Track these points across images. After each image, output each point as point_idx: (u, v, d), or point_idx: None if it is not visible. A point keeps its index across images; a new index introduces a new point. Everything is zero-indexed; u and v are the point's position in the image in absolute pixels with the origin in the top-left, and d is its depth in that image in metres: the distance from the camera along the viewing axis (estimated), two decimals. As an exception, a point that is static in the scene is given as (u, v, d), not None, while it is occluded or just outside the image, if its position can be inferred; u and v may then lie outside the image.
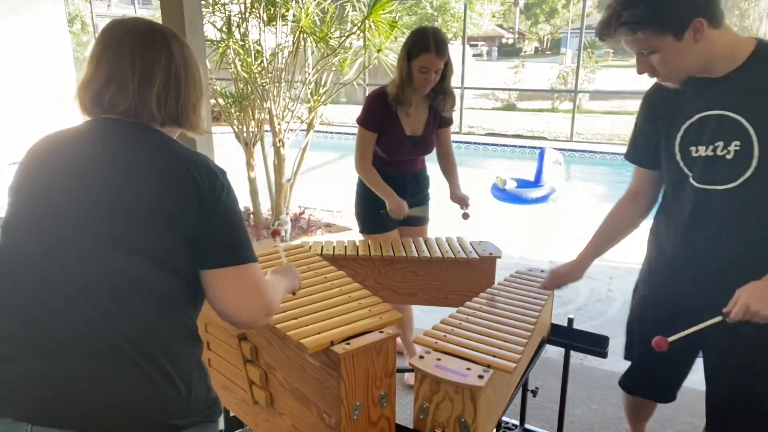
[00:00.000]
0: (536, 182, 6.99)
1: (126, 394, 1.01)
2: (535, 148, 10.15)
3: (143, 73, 1.10)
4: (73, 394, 0.99)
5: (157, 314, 1.05)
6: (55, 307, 1.01)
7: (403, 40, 2.56)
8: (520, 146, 10.47)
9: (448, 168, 2.78)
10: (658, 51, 1.39)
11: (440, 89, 2.54)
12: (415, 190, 2.74)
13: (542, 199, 6.77)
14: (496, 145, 10.84)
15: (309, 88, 5.21)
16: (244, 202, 5.75)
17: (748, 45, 1.42)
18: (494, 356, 1.40)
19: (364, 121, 2.56)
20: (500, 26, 33.94)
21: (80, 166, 1.08)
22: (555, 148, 7.95)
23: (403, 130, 2.57)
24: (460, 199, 2.68)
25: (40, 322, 1.01)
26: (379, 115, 2.54)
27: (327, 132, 10.85)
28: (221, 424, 2.18)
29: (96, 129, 1.13)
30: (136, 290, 1.03)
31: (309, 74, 5.19)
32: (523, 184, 7.01)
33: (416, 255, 2.29)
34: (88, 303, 1.01)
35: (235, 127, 5.25)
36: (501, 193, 6.76)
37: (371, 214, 2.63)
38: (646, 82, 1.26)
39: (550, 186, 6.91)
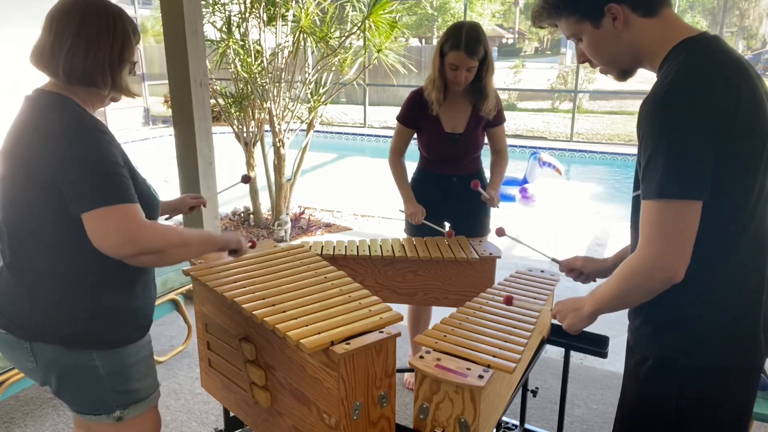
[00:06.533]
0: (523, 181, 7.21)
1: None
2: (534, 148, 10.18)
3: (56, 36, 1.35)
4: None
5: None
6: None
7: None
8: (520, 146, 10.47)
9: (494, 164, 2.70)
10: (583, 39, 1.29)
11: (476, 88, 2.47)
12: (462, 196, 2.62)
13: (513, 197, 6.95)
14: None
15: (309, 88, 5.21)
16: (244, 202, 5.76)
17: (677, 39, 1.19)
18: (494, 356, 1.40)
19: (399, 116, 2.63)
20: (500, 26, 33.87)
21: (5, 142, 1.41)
22: (554, 149, 8.01)
23: (442, 127, 2.54)
24: (487, 198, 2.58)
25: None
26: (416, 111, 2.55)
27: (327, 132, 10.84)
28: (221, 425, 2.18)
29: (21, 107, 1.42)
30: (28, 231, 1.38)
31: (309, 74, 5.19)
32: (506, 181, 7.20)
33: (416, 255, 2.29)
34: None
35: (235, 127, 5.25)
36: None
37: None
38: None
39: (524, 186, 7.09)
